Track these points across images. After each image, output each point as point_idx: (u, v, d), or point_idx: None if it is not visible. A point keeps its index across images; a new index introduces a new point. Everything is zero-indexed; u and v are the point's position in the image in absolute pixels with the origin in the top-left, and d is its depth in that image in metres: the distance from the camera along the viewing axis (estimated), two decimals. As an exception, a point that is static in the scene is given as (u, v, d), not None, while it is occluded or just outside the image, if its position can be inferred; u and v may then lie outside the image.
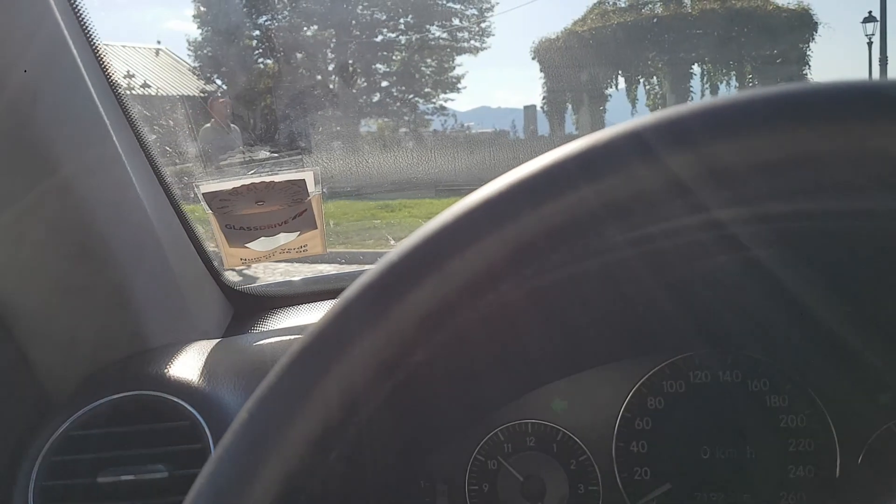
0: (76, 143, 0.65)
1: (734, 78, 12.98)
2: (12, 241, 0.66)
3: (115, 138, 0.71)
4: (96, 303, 0.73)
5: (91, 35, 0.74)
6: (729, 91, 12.81)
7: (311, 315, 0.98)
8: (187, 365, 0.73)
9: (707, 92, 13.07)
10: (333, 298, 0.32)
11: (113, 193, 0.71)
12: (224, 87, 14.27)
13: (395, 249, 0.33)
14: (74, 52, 0.67)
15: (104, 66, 0.76)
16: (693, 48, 12.84)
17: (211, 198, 0.83)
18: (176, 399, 0.67)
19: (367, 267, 0.34)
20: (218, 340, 0.82)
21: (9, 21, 0.57)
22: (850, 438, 0.60)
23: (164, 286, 0.80)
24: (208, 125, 5.33)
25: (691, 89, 13.21)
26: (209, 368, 0.73)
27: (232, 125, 5.65)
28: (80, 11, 0.72)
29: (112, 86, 0.76)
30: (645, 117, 0.29)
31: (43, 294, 0.71)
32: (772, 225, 0.37)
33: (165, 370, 0.71)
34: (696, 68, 13.23)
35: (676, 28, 12.70)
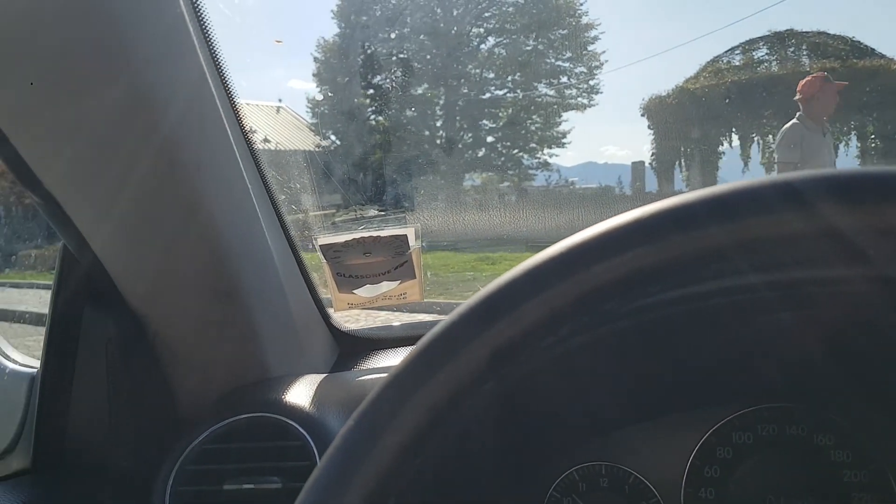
0: (226, 203, 0.78)
1: (855, 138, 12.36)
2: (166, 281, 0.80)
3: (252, 194, 0.84)
4: (229, 336, 0.85)
5: (233, 97, 0.85)
6: (848, 151, 12.22)
7: (409, 357, 1.07)
8: (300, 394, 0.83)
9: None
10: None
11: (249, 242, 0.84)
12: (338, 142, 14.97)
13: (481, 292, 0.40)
14: (223, 115, 0.79)
15: (243, 127, 0.87)
16: (812, 107, 12.33)
17: (326, 249, 0.94)
18: (290, 422, 0.77)
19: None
20: (325, 375, 0.92)
21: (180, 104, 0.71)
22: None
23: (285, 325, 0.92)
24: (794, 121, 3.94)
25: (810, 148, 12.64)
26: (318, 398, 0.83)
27: (827, 127, 4.03)
28: (227, 81, 0.84)
29: (249, 145, 0.88)
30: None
31: (187, 328, 0.84)
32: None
33: (282, 397, 0.82)
34: (815, 127, 12.67)
35: (794, 87, 12.30)
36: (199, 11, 0.76)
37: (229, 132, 0.79)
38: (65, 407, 0.84)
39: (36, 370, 0.88)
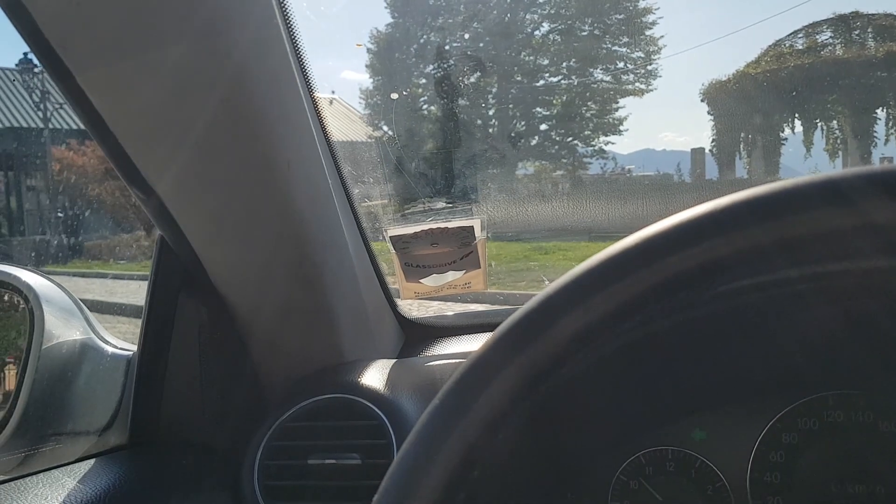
0: (311, 198, 0.84)
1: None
2: (254, 272, 0.86)
3: (331, 188, 0.89)
4: (310, 322, 0.90)
5: (315, 94, 0.88)
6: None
7: (472, 344, 1.11)
8: (374, 377, 0.88)
9: (892, 137, 11.97)
10: (490, 331, 0.41)
11: (329, 234, 0.89)
12: (390, 133, 15.02)
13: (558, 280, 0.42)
14: (308, 113, 0.83)
15: (323, 123, 0.92)
16: (878, 91, 11.84)
17: (396, 240, 0.98)
18: (367, 403, 0.82)
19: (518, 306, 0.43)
20: (395, 360, 0.97)
21: (276, 105, 0.75)
22: None
23: (358, 312, 0.97)
24: None
25: (875, 134, 12.15)
26: (391, 381, 0.88)
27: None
28: (310, 79, 0.88)
29: (328, 140, 0.92)
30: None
31: (272, 315, 0.90)
32: None
33: (358, 379, 0.87)
34: (880, 113, 12.16)
35: (859, 71, 11.80)
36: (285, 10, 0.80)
37: (313, 129, 0.83)
38: (159, 387, 0.91)
39: (131, 353, 0.96)
